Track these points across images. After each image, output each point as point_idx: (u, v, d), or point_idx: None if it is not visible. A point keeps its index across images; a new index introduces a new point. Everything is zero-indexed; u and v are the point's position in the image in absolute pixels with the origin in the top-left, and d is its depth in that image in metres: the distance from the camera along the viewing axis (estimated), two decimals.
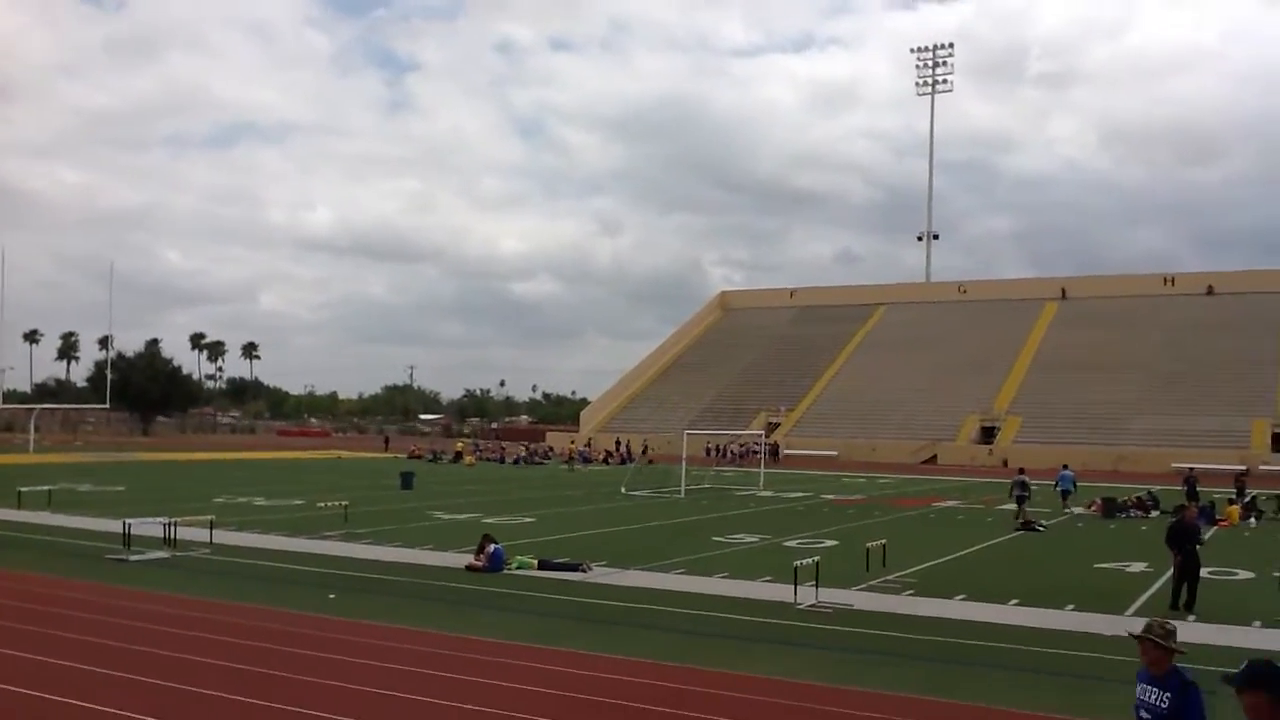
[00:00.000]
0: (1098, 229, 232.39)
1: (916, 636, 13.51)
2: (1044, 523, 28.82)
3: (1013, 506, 29.99)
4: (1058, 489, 34.15)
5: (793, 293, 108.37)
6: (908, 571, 19.19)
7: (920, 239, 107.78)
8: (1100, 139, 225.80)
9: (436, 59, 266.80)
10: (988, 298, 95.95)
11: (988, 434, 75.48)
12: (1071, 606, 15.91)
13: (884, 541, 20.52)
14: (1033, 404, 77.05)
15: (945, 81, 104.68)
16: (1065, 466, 35.75)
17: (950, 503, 37.52)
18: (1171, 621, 5.84)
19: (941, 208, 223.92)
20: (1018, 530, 27.37)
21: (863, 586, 17.42)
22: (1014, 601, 16.34)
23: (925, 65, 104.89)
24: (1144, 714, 5.61)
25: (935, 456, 72.26)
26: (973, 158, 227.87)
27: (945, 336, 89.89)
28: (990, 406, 78.02)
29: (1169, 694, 5.50)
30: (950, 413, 78.18)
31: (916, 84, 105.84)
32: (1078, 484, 35.38)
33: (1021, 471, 31.98)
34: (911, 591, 17.15)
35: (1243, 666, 4.72)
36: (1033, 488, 31.25)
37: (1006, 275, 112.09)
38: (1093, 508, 33.78)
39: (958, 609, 15.66)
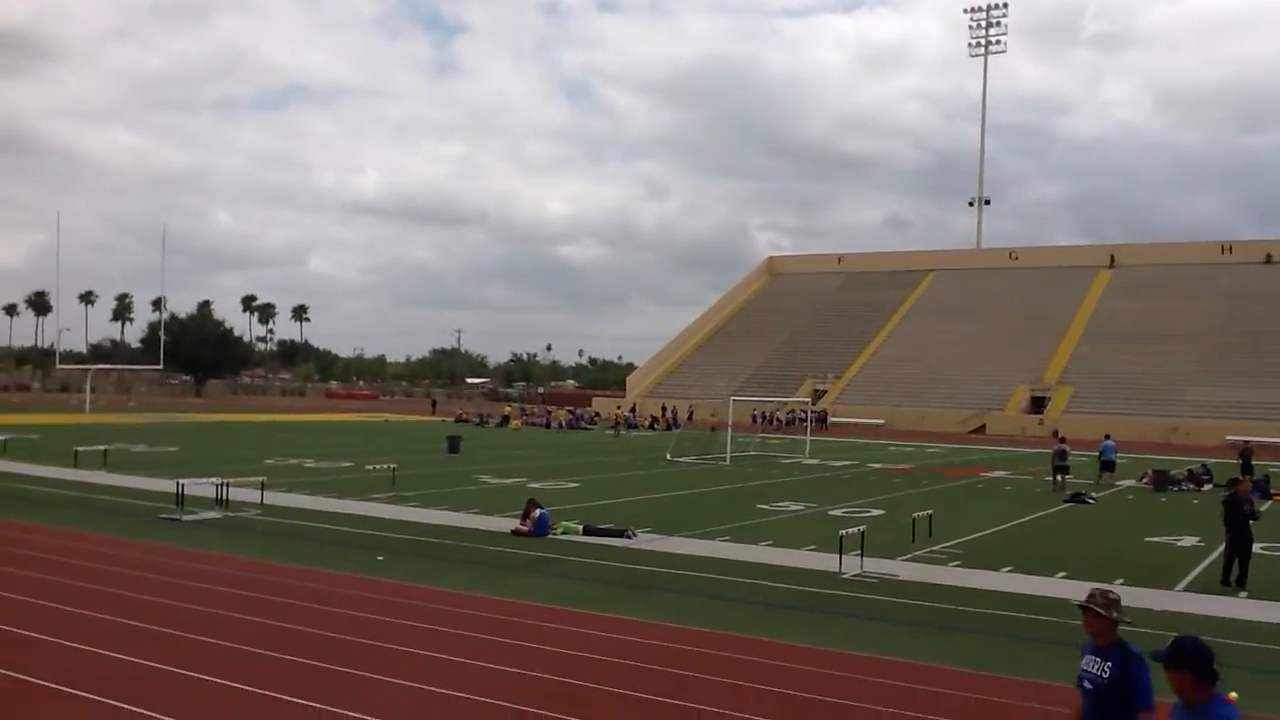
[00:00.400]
0: (1152, 195, 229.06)
1: (962, 608, 13.44)
2: (1094, 495, 28.49)
3: (1061, 477, 29.74)
4: (1100, 459, 33.64)
5: (840, 259, 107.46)
6: (954, 542, 19.07)
7: (971, 204, 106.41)
8: (1156, 102, 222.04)
9: (483, 20, 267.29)
10: (1040, 265, 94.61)
11: (1038, 404, 74.63)
12: (1121, 581, 15.71)
13: (930, 512, 20.40)
14: (1084, 374, 76.04)
15: (998, 42, 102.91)
16: (1107, 437, 35.22)
17: (998, 473, 37.21)
18: (1115, 591, 5.71)
19: (992, 172, 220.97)
20: (1067, 502, 27.09)
21: (908, 557, 17.33)
22: (1062, 574, 16.18)
23: (978, 25, 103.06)
24: (1087, 684, 5.55)
25: (984, 426, 71.59)
26: (1025, 121, 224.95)
27: (996, 304, 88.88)
28: (1041, 376, 77.12)
29: (1110, 664, 5.42)
30: (1000, 382, 77.37)
31: (969, 45, 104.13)
32: (1118, 455, 34.78)
33: (1062, 441, 31.97)
34: (958, 563, 17.04)
35: (1169, 643, 4.76)
36: (1072, 457, 30.93)
37: (1057, 242, 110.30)
38: (1144, 480, 33.33)
39: (1004, 581, 15.54)
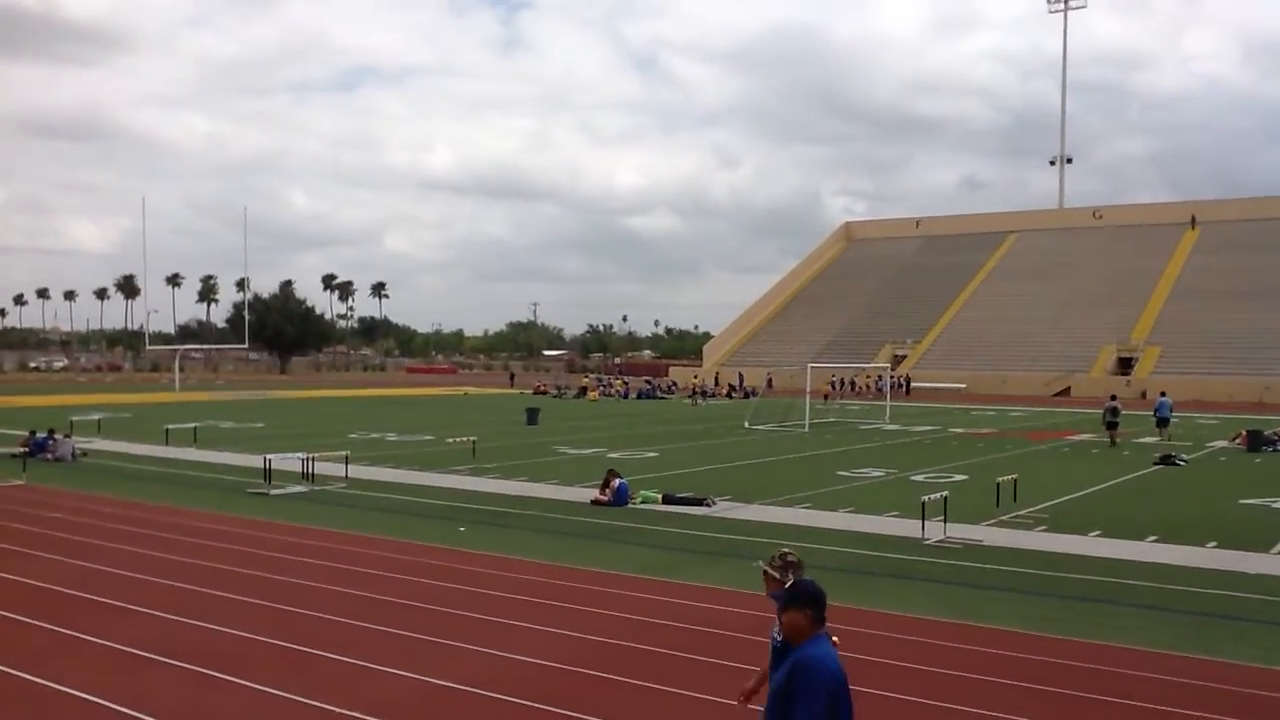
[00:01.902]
0: (1240, 148, 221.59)
1: (1048, 573, 13.18)
2: (1185, 456, 27.79)
3: (1154, 439, 29.21)
4: (1155, 416, 33.78)
5: (918, 222, 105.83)
6: (1040, 506, 18.73)
7: (1052, 163, 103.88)
8: (1242, 53, 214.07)
9: None
10: (1125, 223, 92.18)
11: (1125, 365, 72.92)
12: (1213, 544, 15.31)
13: (1015, 476, 20.02)
14: (1173, 333, 74.07)
15: None
16: (1163, 394, 35.11)
17: (1085, 436, 36.42)
18: (794, 554, 5.66)
19: (1071, 130, 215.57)
20: (1157, 464, 26.46)
21: (993, 522, 17.06)
22: (1152, 538, 15.80)
23: None
24: (771, 646, 5.45)
25: (1069, 389, 70.18)
26: (1104, 77, 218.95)
27: (1080, 264, 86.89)
28: (1127, 336, 75.32)
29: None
30: (1085, 343, 75.74)
31: (1048, 1, 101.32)
32: (1173, 412, 34.60)
33: (1114, 398, 33.48)
34: (1044, 527, 16.72)
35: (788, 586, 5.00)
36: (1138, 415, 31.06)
37: (1142, 199, 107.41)
38: (1237, 440, 32.48)
39: (1092, 545, 15.21)
